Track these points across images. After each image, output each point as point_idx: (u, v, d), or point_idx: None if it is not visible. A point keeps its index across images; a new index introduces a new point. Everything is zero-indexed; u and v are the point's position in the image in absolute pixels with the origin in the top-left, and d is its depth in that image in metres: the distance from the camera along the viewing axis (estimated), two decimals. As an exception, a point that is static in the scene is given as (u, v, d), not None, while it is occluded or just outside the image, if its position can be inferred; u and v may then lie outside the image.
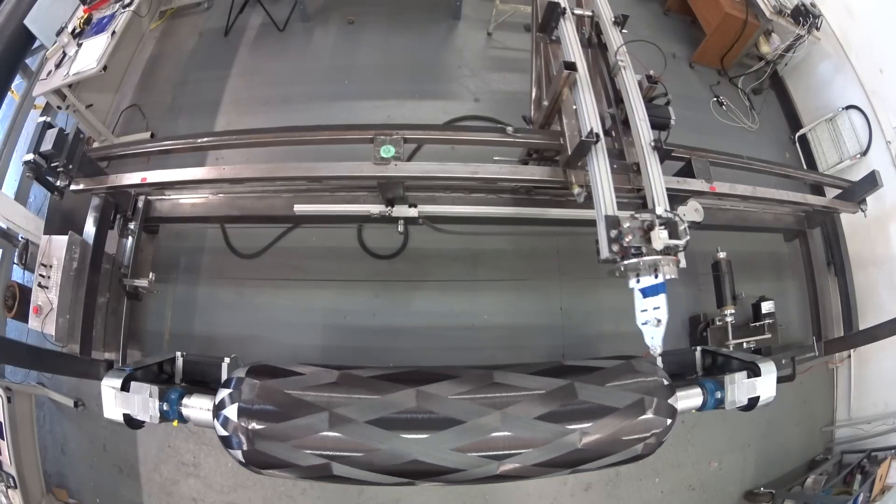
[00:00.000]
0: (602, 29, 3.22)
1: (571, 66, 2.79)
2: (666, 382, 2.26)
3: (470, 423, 2.05)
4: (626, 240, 2.20)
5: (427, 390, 2.13)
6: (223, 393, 2.09)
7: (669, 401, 2.21)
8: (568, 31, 3.04)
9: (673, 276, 2.23)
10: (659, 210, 2.41)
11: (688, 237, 2.24)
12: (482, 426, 2.06)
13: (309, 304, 4.18)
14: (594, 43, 3.34)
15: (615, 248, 2.25)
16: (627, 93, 2.92)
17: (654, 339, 2.23)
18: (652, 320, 2.22)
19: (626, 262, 2.23)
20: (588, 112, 2.72)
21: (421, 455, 2.02)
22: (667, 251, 2.18)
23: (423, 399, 2.10)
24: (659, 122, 2.96)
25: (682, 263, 2.27)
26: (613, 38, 3.13)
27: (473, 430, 2.05)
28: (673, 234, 2.19)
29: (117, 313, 3.60)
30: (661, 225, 2.18)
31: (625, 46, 3.06)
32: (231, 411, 2.03)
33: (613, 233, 2.26)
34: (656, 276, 2.21)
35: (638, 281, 2.25)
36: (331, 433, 2.01)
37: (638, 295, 2.26)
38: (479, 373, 2.25)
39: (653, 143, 2.70)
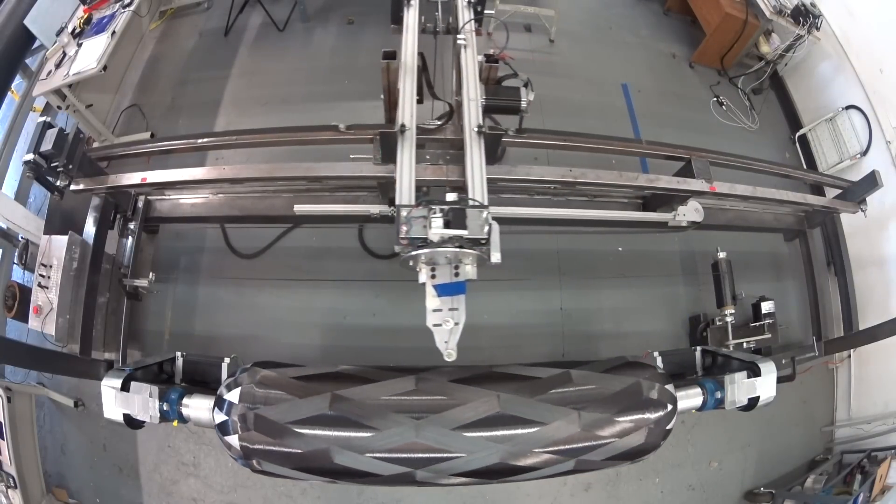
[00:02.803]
0: (457, 10, 3.03)
1: (389, 56, 2.69)
2: (666, 384, 2.25)
3: (469, 405, 2.04)
4: (403, 230, 1.99)
5: (425, 376, 2.15)
6: (225, 383, 2.11)
7: (669, 402, 2.20)
8: (409, 18, 2.91)
9: (472, 278, 2.07)
10: (475, 200, 2.23)
11: (487, 232, 1.99)
12: (481, 407, 2.05)
13: (309, 304, 4.18)
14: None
15: (404, 240, 2.03)
16: (464, 74, 2.75)
17: (448, 343, 2.08)
18: (448, 321, 2.07)
19: (409, 253, 2.03)
20: (404, 102, 2.60)
21: (420, 437, 2.00)
22: (471, 243, 2.00)
23: (422, 384, 2.11)
24: (507, 106, 2.77)
25: (496, 259, 2.05)
26: (462, 18, 2.97)
27: (472, 411, 2.04)
28: (456, 224, 1.97)
29: (117, 313, 3.60)
30: (438, 214, 1.97)
31: (472, 24, 2.86)
32: (233, 395, 2.03)
33: (404, 228, 2.03)
34: (456, 275, 2.06)
35: (433, 276, 2.09)
36: (330, 413, 2.00)
37: (431, 291, 2.10)
38: (479, 365, 2.27)
39: (477, 128, 2.53)
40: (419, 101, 3.02)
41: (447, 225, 1.96)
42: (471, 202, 2.11)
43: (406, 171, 2.41)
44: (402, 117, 2.54)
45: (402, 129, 2.48)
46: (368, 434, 2.00)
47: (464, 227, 1.95)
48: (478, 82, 2.69)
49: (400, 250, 2.05)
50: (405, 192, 2.32)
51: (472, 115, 2.58)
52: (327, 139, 3.15)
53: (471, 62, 2.76)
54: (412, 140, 2.50)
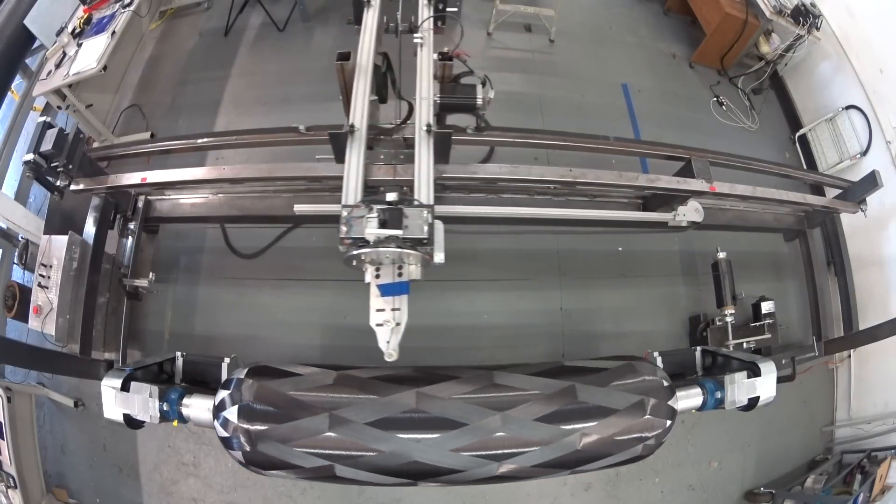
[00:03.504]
0: (419, 9, 3.00)
1: (343, 57, 2.68)
2: (666, 384, 2.25)
3: (470, 425, 2.05)
4: (343, 230, 1.99)
5: (427, 392, 2.12)
6: (223, 394, 2.09)
7: (669, 402, 2.20)
8: (368, 19, 2.90)
9: (415, 278, 2.07)
10: (418, 200, 2.21)
11: (426, 231, 1.98)
12: (482, 427, 2.06)
13: (309, 304, 4.18)
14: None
15: (346, 240, 2.01)
16: (417, 72, 2.73)
17: (390, 343, 2.07)
18: (390, 322, 2.06)
19: (350, 253, 2.03)
20: (356, 103, 2.59)
21: (421, 456, 2.02)
22: (414, 243, 1.98)
23: (423, 401, 2.09)
24: (463, 104, 2.75)
25: (440, 260, 2.04)
26: (422, 16, 2.96)
27: (474, 432, 2.04)
28: (392, 224, 1.95)
29: (117, 313, 3.60)
30: (374, 215, 1.96)
31: (430, 22, 2.85)
32: (231, 413, 2.03)
33: (344, 228, 2.02)
34: (399, 275, 2.06)
35: (377, 276, 2.08)
36: (331, 434, 2.00)
37: (375, 291, 2.09)
38: (480, 374, 2.24)
39: (426, 127, 2.51)
40: (383, 101, 3.05)
41: (383, 225, 1.95)
42: (415, 202, 2.09)
43: (353, 172, 2.41)
44: (353, 117, 2.55)
45: (352, 130, 2.49)
46: (369, 454, 2.01)
47: (399, 228, 1.94)
48: (431, 80, 2.68)
49: (344, 250, 2.04)
50: (351, 192, 2.33)
51: (423, 113, 2.57)
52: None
53: (426, 60, 2.74)
54: (361, 141, 2.50)
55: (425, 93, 2.60)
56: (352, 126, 2.48)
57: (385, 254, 2.00)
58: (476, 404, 2.10)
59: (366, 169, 2.49)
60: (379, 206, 1.98)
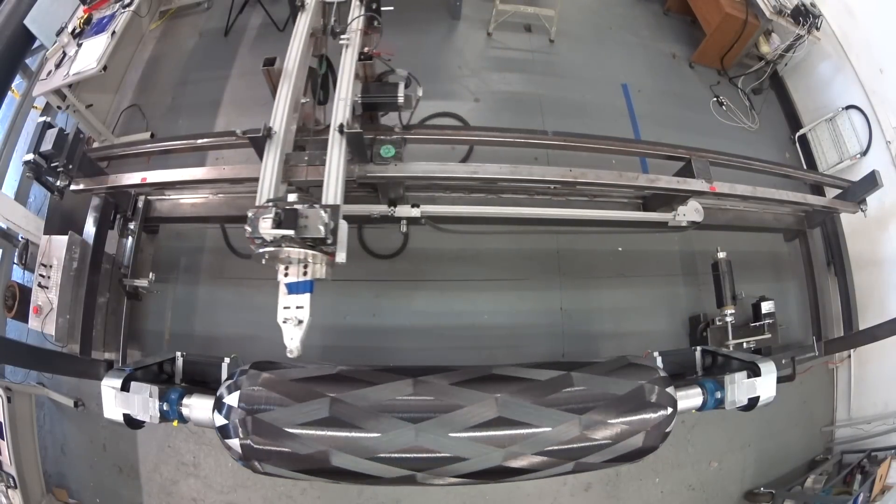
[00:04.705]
0: (349, 11, 3.06)
1: (269, 62, 2.78)
2: (663, 375, 2.26)
3: (468, 408, 2.05)
4: (247, 230, 2.04)
5: (426, 379, 2.14)
6: (225, 384, 2.11)
7: (668, 390, 2.20)
8: (299, 23, 2.98)
9: (320, 277, 2.14)
10: (331, 200, 2.29)
11: (323, 231, 2.03)
12: (480, 411, 2.05)
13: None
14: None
15: (253, 240, 2.08)
16: (339, 73, 2.79)
17: (293, 339, 2.13)
18: (293, 319, 2.14)
19: (256, 251, 2.09)
20: (277, 107, 2.66)
21: (421, 440, 2.01)
22: (313, 244, 2.05)
23: (421, 387, 2.11)
24: (383, 103, 2.80)
25: (341, 259, 2.14)
26: (351, 16, 3.01)
27: (472, 415, 2.04)
28: (287, 224, 2.00)
29: (117, 313, 3.60)
30: (269, 215, 2.01)
31: (360, 21, 2.90)
32: (232, 399, 2.04)
33: (248, 228, 2.08)
34: (304, 274, 2.14)
35: (286, 275, 2.17)
36: (330, 417, 2.00)
37: (283, 290, 2.17)
38: (479, 367, 2.26)
39: (338, 128, 2.56)
40: (322, 102, 3.11)
41: (278, 225, 1.99)
42: (315, 204, 2.14)
43: (268, 173, 2.47)
44: (273, 121, 2.61)
45: (269, 133, 2.54)
46: (368, 437, 2.00)
47: (293, 228, 1.99)
48: (350, 81, 2.73)
49: (253, 249, 2.10)
50: (265, 193, 2.40)
51: (339, 113, 2.62)
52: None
53: (349, 61, 2.80)
54: (278, 144, 2.56)
55: (343, 93, 2.66)
56: (269, 129, 2.54)
57: (288, 252, 2.07)
58: (474, 389, 2.12)
59: (286, 171, 2.60)
60: (280, 208, 2.04)
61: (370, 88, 2.89)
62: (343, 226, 2.16)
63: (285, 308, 2.16)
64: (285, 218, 2.00)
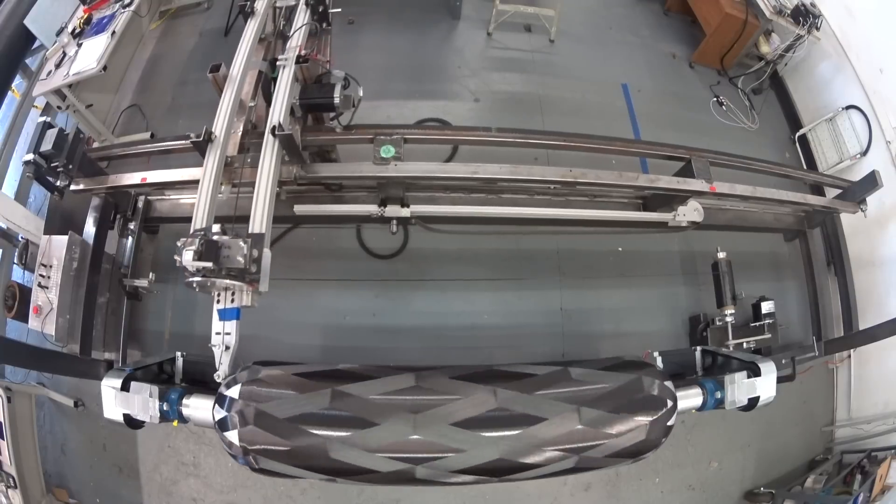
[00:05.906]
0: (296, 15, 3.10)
1: (214, 69, 2.85)
2: (661, 370, 2.27)
3: (467, 399, 2.05)
4: (176, 260, 2.07)
5: (425, 374, 2.16)
6: (226, 380, 2.12)
7: (667, 383, 2.20)
8: (247, 30, 3.02)
9: (245, 305, 2.22)
10: (259, 217, 2.33)
11: (244, 262, 2.09)
12: (479, 403, 2.05)
13: (309, 304, 4.18)
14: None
15: (183, 267, 2.11)
16: (279, 77, 2.82)
17: (222, 364, 2.20)
18: (220, 345, 2.22)
19: (186, 280, 2.14)
20: (220, 111, 2.69)
21: (421, 432, 2.00)
22: (236, 274, 2.10)
23: (421, 380, 2.12)
24: (320, 104, 2.82)
25: (264, 287, 2.20)
26: (299, 21, 3.05)
27: (471, 407, 2.04)
28: (207, 256, 2.03)
29: (117, 313, 3.60)
30: (191, 247, 2.04)
31: (306, 28, 2.96)
32: (233, 391, 2.04)
33: (176, 257, 2.11)
34: (232, 301, 2.21)
35: (218, 301, 2.24)
36: (330, 408, 2.01)
37: (216, 315, 2.25)
38: (479, 366, 2.27)
39: (271, 130, 2.57)
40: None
41: (199, 257, 2.03)
42: (234, 235, 2.17)
43: (208, 177, 2.51)
44: (215, 125, 2.64)
45: (210, 138, 2.57)
46: (367, 428, 1.99)
47: (211, 260, 2.04)
48: (289, 83, 2.76)
49: (186, 277, 2.15)
50: (205, 191, 2.43)
51: (274, 115, 2.63)
52: (327, 139, 3.17)
53: (288, 65, 2.84)
54: (218, 148, 2.59)
55: (280, 96, 2.69)
56: (210, 133, 2.57)
57: (213, 282, 2.12)
58: (473, 382, 2.13)
59: (229, 172, 2.67)
60: (204, 240, 2.07)
61: (309, 90, 2.91)
62: (267, 255, 2.21)
63: (216, 334, 2.23)
64: (206, 250, 2.04)
